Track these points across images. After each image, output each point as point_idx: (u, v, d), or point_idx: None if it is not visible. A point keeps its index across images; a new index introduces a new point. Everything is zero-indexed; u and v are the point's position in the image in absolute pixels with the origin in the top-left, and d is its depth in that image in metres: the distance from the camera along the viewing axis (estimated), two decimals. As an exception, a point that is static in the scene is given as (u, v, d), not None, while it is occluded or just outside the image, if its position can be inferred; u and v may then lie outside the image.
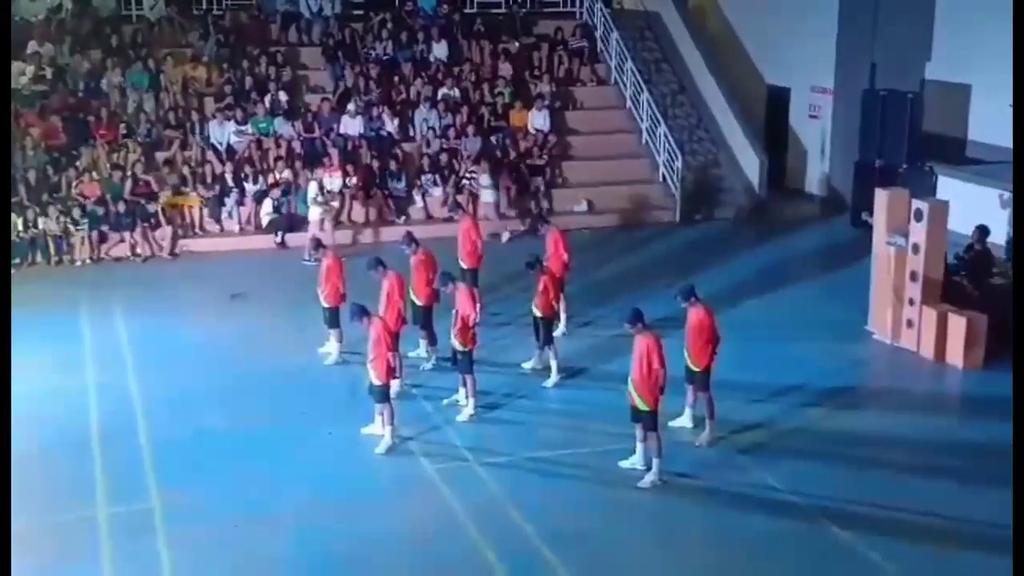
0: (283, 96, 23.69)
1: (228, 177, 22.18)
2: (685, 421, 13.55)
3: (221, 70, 24.13)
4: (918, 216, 16.03)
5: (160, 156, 22.35)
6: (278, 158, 22.68)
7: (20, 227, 20.33)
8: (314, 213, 21.37)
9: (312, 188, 21.56)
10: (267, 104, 23.36)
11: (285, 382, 15.03)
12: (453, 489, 12.22)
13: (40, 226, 20.44)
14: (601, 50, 26.80)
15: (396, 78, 24.82)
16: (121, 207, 20.96)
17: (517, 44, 26.24)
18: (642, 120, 25.08)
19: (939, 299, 16.16)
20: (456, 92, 24.63)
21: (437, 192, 22.96)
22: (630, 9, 28.71)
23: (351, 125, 23.42)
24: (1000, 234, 18.06)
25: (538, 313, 15.11)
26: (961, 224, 17.02)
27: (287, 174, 22.40)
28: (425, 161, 23.18)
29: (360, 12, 26.54)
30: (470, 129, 23.79)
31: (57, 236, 20.53)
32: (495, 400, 14.45)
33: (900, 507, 11.79)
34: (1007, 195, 19.26)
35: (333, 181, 22.44)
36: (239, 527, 11.45)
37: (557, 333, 15.91)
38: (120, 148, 22.13)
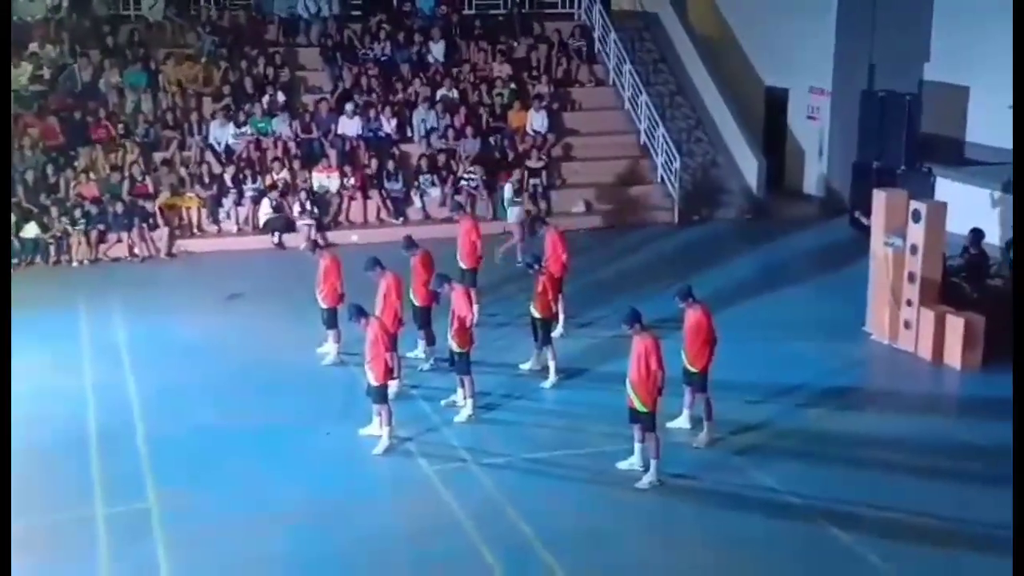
0: (281, 96, 23.68)
1: (227, 178, 22.17)
2: (683, 422, 13.55)
3: (219, 70, 24.12)
4: (916, 217, 16.03)
5: (158, 156, 22.35)
6: (275, 159, 22.68)
7: (36, 229, 20.31)
8: (513, 215, 20.71)
9: (507, 190, 20.87)
10: (265, 104, 23.34)
11: (283, 382, 15.02)
12: (451, 490, 12.22)
13: (43, 225, 20.43)
14: (599, 51, 26.80)
15: (394, 79, 24.82)
16: (119, 207, 20.96)
17: (516, 45, 26.25)
18: (640, 121, 25.08)
19: (937, 300, 16.17)
20: (454, 93, 24.63)
21: (435, 193, 22.96)
22: (628, 10, 28.72)
23: (349, 125, 23.42)
24: (995, 236, 18.08)
25: (536, 314, 15.11)
26: (959, 225, 17.04)
27: (284, 174, 22.41)
28: (424, 162, 23.18)
29: (358, 13, 26.54)
30: (469, 130, 23.80)
31: (56, 237, 20.53)
32: (493, 401, 14.45)
33: (898, 508, 11.79)
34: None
35: (331, 181, 22.48)
36: (236, 527, 11.44)
37: (555, 334, 15.88)
38: (118, 148, 22.11)
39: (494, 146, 23.87)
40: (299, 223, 21.68)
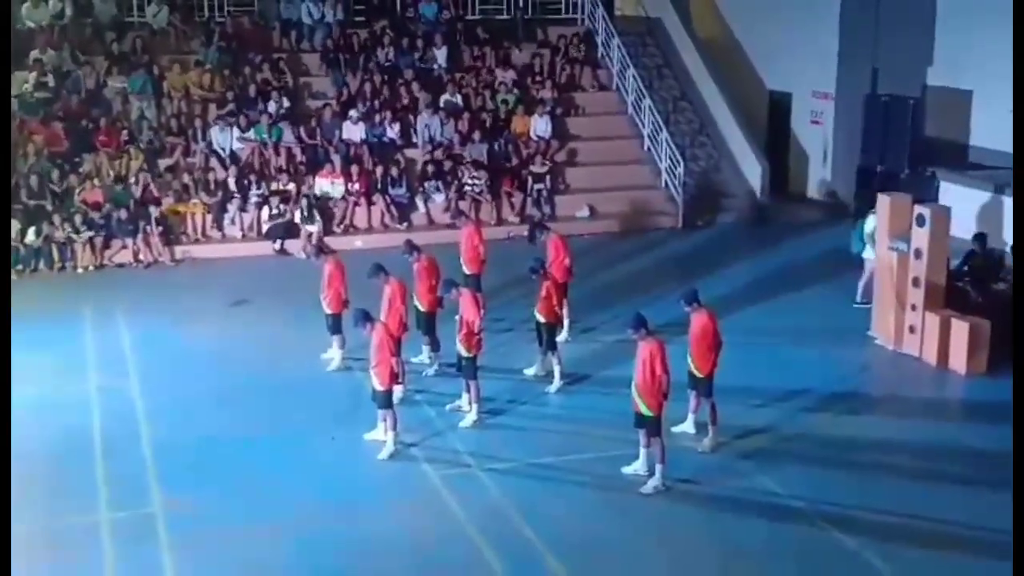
0: (285, 102, 23.71)
1: (231, 184, 22.20)
2: (688, 426, 13.54)
3: (223, 77, 24.15)
4: (920, 221, 16.02)
5: (162, 163, 22.38)
6: (279, 169, 22.69)
7: (33, 236, 20.34)
8: (870, 251, 17.99)
9: (870, 222, 17.91)
10: (271, 111, 23.32)
11: (287, 388, 15.02)
12: (456, 495, 12.22)
13: (44, 232, 20.45)
14: (603, 56, 26.83)
15: (398, 84, 24.83)
16: (123, 214, 20.97)
17: (520, 50, 26.28)
18: (644, 126, 25.11)
19: (942, 304, 16.15)
20: (458, 98, 24.66)
21: (440, 198, 22.99)
22: (632, 15, 28.75)
23: (353, 131, 23.45)
24: (998, 240, 18.07)
25: (541, 319, 15.11)
26: (963, 229, 17.03)
27: (288, 182, 22.44)
28: (430, 168, 23.20)
29: (362, 19, 26.57)
30: (476, 136, 23.81)
31: (60, 243, 20.55)
32: (498, 406, 14.45)
33: (902, 512, 11.78)
34: None
35: (335, 187, 22.50)
36: (241, 532, 11.44)
37: (560, 339, 15.89)
38: (122, 155, 22.14)
39: (498, 152, 23.89)
40: (302, 229, 21.69)
